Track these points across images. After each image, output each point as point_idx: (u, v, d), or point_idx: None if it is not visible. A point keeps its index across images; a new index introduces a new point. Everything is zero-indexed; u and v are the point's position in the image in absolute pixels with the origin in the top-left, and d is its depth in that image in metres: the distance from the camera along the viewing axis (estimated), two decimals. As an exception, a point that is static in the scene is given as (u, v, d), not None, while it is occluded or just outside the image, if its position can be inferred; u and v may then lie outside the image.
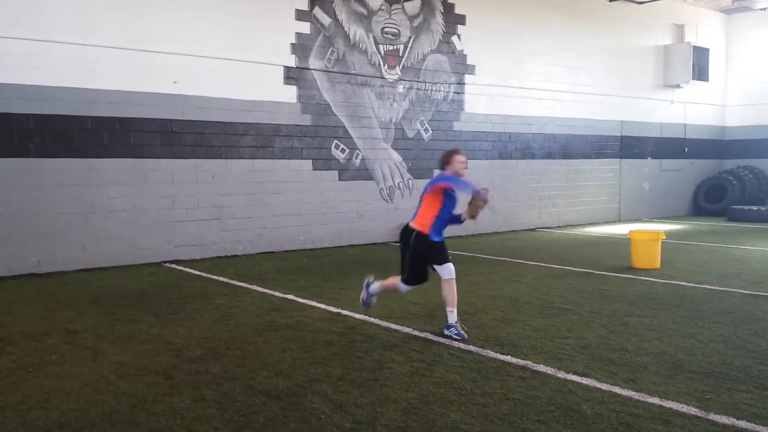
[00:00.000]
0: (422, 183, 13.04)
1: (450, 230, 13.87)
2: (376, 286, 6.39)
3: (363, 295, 6.48)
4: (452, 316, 5.92)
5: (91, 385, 4.63)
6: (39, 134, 9.06)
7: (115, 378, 4.79)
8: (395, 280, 6.22)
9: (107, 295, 7.75)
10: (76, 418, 4.05)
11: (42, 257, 9.13)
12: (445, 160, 6.16)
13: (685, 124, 18.51)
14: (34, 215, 9.06)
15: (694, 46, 17.53)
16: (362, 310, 6.72)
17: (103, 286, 8.26)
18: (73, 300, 7.47)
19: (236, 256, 10.73)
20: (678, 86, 17.96)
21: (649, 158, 17.75)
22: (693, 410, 4.11)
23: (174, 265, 9.80)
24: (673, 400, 4.28)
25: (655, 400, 4.28)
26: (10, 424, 3.94)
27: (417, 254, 5.97)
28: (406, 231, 6.08)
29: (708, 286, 8.16)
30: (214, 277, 8.89)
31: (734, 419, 3.97)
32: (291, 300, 7.44)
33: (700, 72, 17.74)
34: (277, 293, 7.78)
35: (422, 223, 5.99)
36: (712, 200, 18.61)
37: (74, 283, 8.47)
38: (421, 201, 6.14)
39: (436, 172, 13.29)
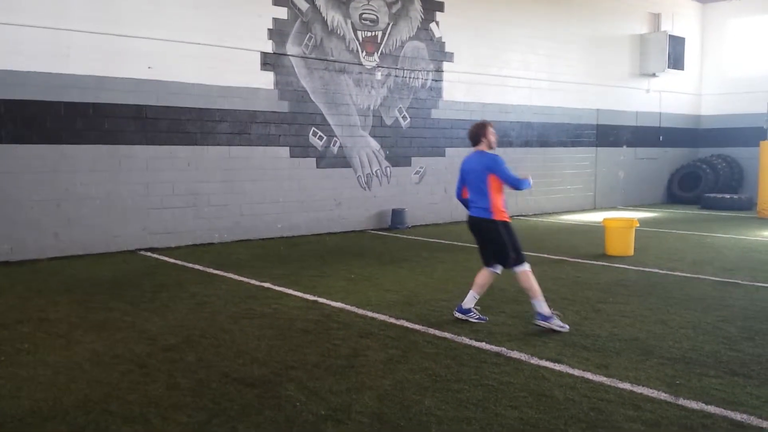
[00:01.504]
0: (400, 171, 13.11)
1: (425, 218, 13.91)
2: (539, 304, 5.77)
3: (552, 322, 5.72)
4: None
5: (65, 374, 4.60)
6: (10, 120, 8.90)
7: (88, 366, 4.76)
8: (530, 279, 5.83)
9: (81, 283, 7.68)
10: (48, 406, 4.01)
11: (14, 245, 9.00)
12: (481, 133, 6.02)
13: (660, 113, 18.71)
14: (6, 202, 8.91)
15: (669, 35, 17.69)
16: (339, 298, 6.78)
17: (77, 274, 8.17)
18: (46, 288, 7.39)
19: (212, 243, 10.67)
20: (654, 75, 18.14)
21: (624, 146, 17.92)
22: (663, 395, 4.19)
23: (149, 253, 9.73)
24: (643, 386, 4.35)
25: (626, 386, 4.35)
26: (-19, 414, 3.90)
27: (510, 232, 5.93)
28: (488, 222, 5.87)
29: (680, 273, 8.28)
30: (190, 265, 8.83)
31: (703, 404, 4.05)
32: (267, 288, 7.43)
33: (676, 61, 17.92)
34: (253, 281, 7.76)
35: (500, 211, 5.92)
36: (686, 188, 18.85)
37: (47, 271, 8.37)
38: (482, 184, 5.91)
39: (417, 159, 13.36)
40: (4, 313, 6.25)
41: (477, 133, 6.06)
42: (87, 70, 9.42)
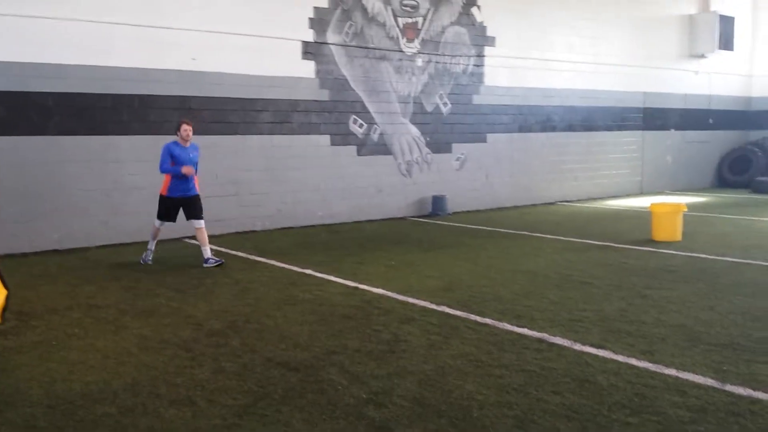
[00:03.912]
0: (441, 157, 13.08)
1: (466, 205, 13.80)
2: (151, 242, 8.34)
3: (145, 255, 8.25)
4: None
5: (114, 358, 4.73)
6: (58, 112, 9.14)
7: (136, 351, 4.88)
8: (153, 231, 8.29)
9: (128, 270, 7.87)
10: (99, 389, 4.13)
11: (63, 233, 9.27)
12: (177, 127, 8.08)
13: (710, 95, 18.19)
14: (55, 192, 9.18)
15: (720, 15, 17.17)
16: (380, 284, 6.81)
17: (124, 262, 8.38)
18: (94, 275, 7.59)
19: (255, 231, 10.81)
20: (703, 56, 17.64)
21: (672, 130, 17.49)
22: (710, 381, 4.10)
23: (193, 241, 9.85)
24: (689, 372, 4.26)
25: (672, 372, 4.27)
26: (35, 396, 4.03)
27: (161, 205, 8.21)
28: None
29: (729, 259, 8.08)
30: (233, 252, 8.97)
31: (751, 390, 3.95)
32: (309, 274, 7.50)
33: (726, 41, 17.38)
34: (295, 268, 7.84)
35: (164, 187, 8.11)
36: (736, 172, 18.33)
37: (95, 259, 8.60)
38: None
39: (457, 146, 13.27)
40: (55, 299, 6.45)
41: (179, 124, 8.09)
42: (131, 62, 9.60)
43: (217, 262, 8.02)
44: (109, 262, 8.35)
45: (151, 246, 8.31)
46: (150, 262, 8.20)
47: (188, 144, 8.08)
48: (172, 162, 7.95)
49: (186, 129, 8.00)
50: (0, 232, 8.81)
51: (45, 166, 9.09)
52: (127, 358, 4.73)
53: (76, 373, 4.43)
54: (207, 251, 8.08)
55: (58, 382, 4.26)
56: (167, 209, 8.14)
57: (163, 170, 7.96)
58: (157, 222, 8.21)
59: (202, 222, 8.15)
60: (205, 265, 7.96)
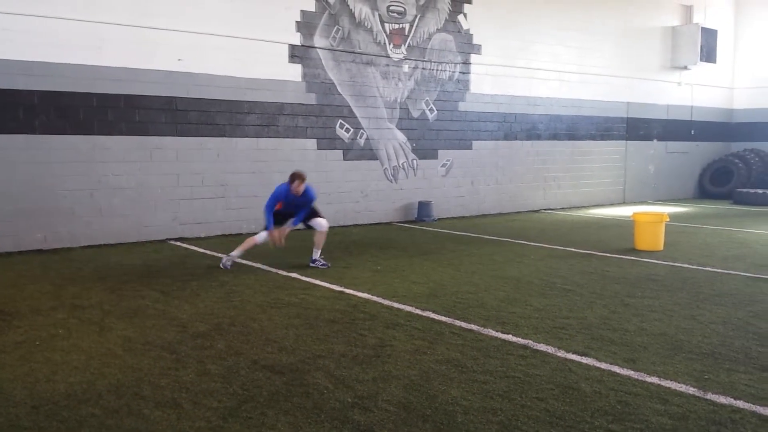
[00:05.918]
0: (427, 163, 13.15)
1: (451, 211, 13.86)
2: (236, 252, 8.08)
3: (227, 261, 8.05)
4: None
5: (98, 359, 4.70)
6: (44, 111, 9.08)
7: (121, 352, 4.86)
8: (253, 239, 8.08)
9: (113, 271, 7.82)
10: (82, 390, 4.11)
11: (48, 233, 9.20)
12: (290, 180, 7.85)
13: (692, 107, 18.43)
14: (40, 191, 9.11)
15: (702, 28, 17.41)
16: (365, 289, 6.82)
17: (109, 263, 8.33)
18: (79, 276, 7.54)
19: (241, 234, 10.76)
20: (685, 68, 17.87)
21: (655, 140, 17.69)
22: (691, 390, 4.16)
23: (179, 243, 9.86)
24: (671, 380, 4.32)
25: (654, 380, 4.33)
26: (18, 396, 4.01)
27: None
28: None
29: (710, 269, 8.19)
30: (219, 254, 8.92)
31: (732, 399, 4.01)
32: (295, 278, 7.50)
33: (708, 54, 17.63)
34: (281, 271, 7.84)
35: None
36: (717, 183, 18.57)
37: (80, 259, 8.54)
38: None
39: (443, 152, 13.34)
40: (39, 300, 6.40)
41: (290, 177, 7.92)
42: (119, 62, 9.57)
43: (323, 264, 8.20)
44: (93, 263, 8.30)
45: (239, 253, 8.12)
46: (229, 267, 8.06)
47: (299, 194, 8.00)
48: (280, 203, 7.97)
49: (298, 186, 7.86)
50: (-18, 230, 8.73)
51: (30, 165, 9.02)
52: (112, 359, 4.71)
53: (60, 373, 4.40)
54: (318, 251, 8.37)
55: (42, 383, 4.23)
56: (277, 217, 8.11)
57: (265, 208, 7.98)
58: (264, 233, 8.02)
59: (325, 223, 8.47)
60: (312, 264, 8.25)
